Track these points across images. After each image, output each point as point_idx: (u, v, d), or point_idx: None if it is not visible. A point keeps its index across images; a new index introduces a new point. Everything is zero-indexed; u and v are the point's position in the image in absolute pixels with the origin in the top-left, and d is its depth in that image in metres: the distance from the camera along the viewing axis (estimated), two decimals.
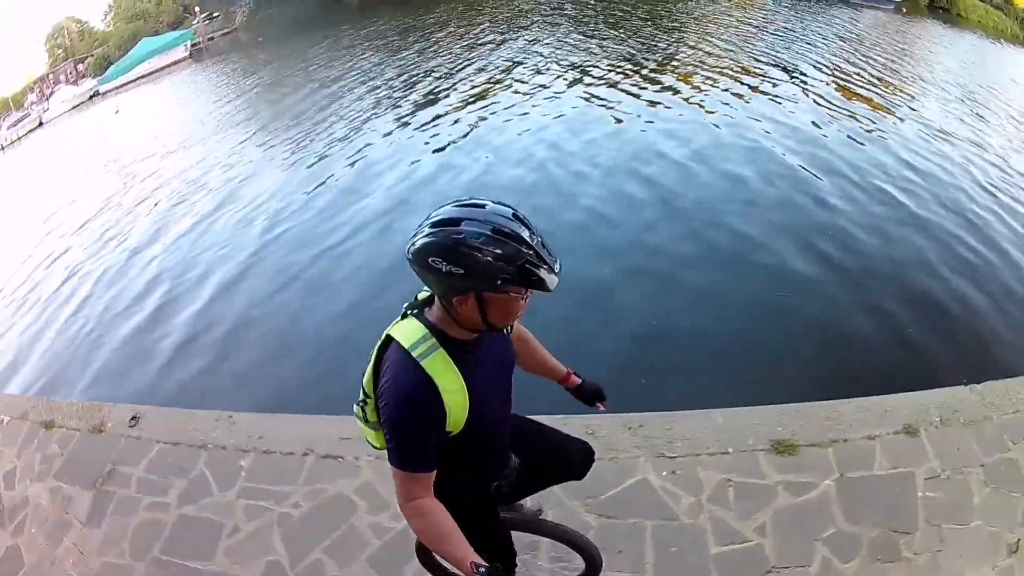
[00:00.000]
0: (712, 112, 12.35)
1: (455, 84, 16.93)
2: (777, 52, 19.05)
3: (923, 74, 18.58)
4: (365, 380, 2.09)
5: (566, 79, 15.82)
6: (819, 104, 13.11)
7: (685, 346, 5.88)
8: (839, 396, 4.29)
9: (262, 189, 11.64)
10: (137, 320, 7.78)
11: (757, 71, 16.05)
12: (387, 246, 8.07)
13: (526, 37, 23.37)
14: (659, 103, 13.12)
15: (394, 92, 17.38)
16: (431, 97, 15.95)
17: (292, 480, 3.62)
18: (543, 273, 1.82)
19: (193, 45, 46.57)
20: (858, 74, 16.70)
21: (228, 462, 3.87)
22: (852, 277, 6.90)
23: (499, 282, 1.80)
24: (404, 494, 1.94)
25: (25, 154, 32.94)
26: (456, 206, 1.85)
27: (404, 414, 1.89)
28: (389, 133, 13.57)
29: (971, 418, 4.11)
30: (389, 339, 1.99)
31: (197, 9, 49.57)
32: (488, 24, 27.66)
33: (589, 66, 17.22)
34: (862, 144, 10.73)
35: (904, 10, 39.64)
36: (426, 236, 1.81)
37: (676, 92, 13.94)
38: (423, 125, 13.57)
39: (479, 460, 2.27)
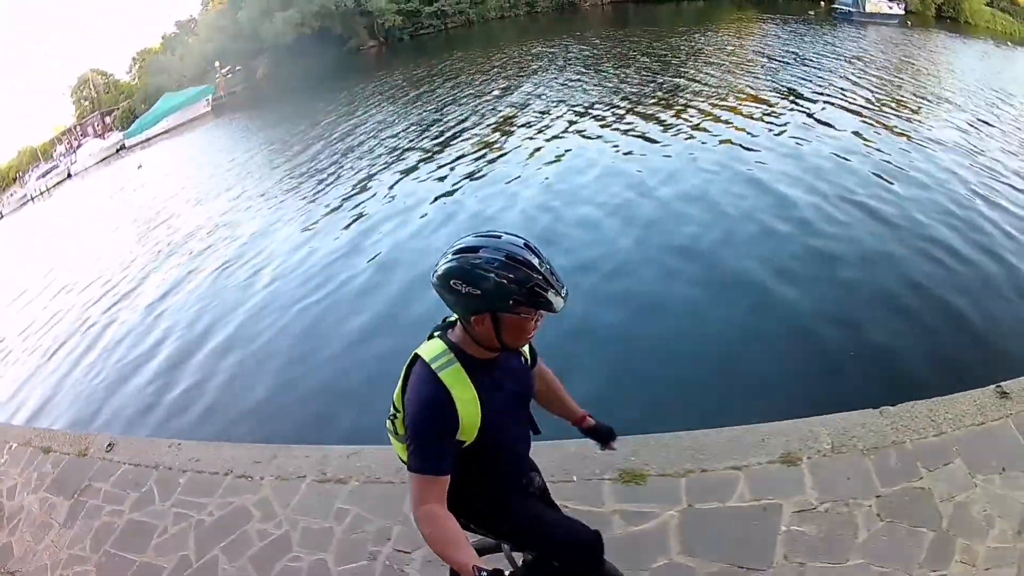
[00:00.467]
0: (722, 142, 13.13)
1: (466, 130, 17.95)
2: (780, 78, 19.85)
3: (933, 88, 18.80)
4: (395, 395, 2.35)
5: (573, 120, 16.80)
6: (827, 129, 13.59)
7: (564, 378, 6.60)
8: (737, 423, 4.34)
9: (268, 243, 12.63)
10: (130, 364, 9.04)
11: (763, 99, 16.88)
12: (371, 301, 8.88)
13: (536, 80, 24.84)
14: (672, 135, 14.11)
15: (406, 142, 18.42)
16: (441, 145, 16.94)
17: (211, 494, 4.68)
18: (550, 296, 2.07)
19: (214, 99, 48.25)
20: (870, 93, 17.17)
21: (171, 479, 4.97)
22: (774, 301, 7.17)
23: (511, 302, 2.05)
24: (416, 499, 2.11)
25: (54, 206, 34.80)
26: (475, 236, 2.13)
27: (421, 418, 2.13)
28: (398, 182, 14.49)
29: (875, 444, 4.08)
30: (416, 357, 2.25)
31: (217, 64, 51.54)
32: (499, 69, 29.22)
33: (596, 104, 18.28)
34: (848, 160, 11.26)
35: (909, 23, 39.48)
36: (448, 262, 2.08)
37: (688, 125, 14.76)
38: (433, 173, 14.47)
39: (497, 473, 2.46)
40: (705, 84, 19.48)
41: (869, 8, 40.86)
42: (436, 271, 2.10)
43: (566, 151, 14.05)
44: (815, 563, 3.34)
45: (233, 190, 18.89)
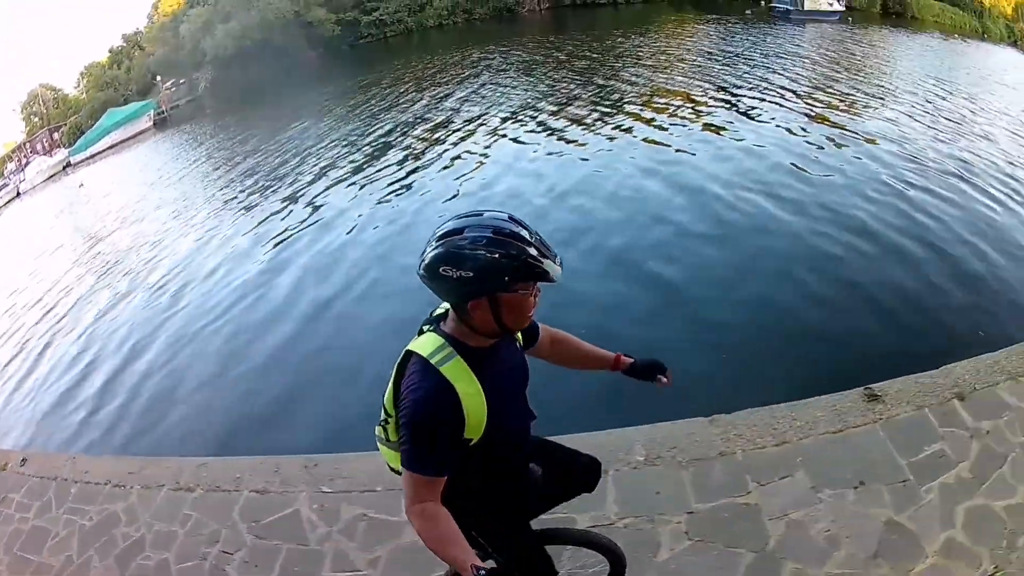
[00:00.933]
0: (646, 141, 13.90)
1: (394, 140, 18.66)
2: (711, 77, 20.70)
3: (864, 82, 19.60)
4: (386, 398, 2.23)
5: (500, 126, 17.55)
6: (752, 123, 14.49)
7: None
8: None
9: (192, 264, 13.08)
10: (58, 385, 9.79)
11: (693, 98, 17.64)
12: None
13: (468, 86, 25.51)
14: (598, 136, 14.85)
15: (338, 153, 18.97)
16: (372, 156, 17.53)
17: (94, 502, 5.51)
18: (547, 265, 1.99)
19: (157, 114, 48.13)
20: (799, 88, 18.09)
21: (65, 489, 5.81)
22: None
23: (507, 279, 1.96)
24: (411, 497, 2.05)
25: (2, 226, 34.59)
26: (456, 218, 2.02)
27: (421, 416, 2.01)
28: (326, 193, 15.05)
29: (698, 455, 4.04)
30: (408, 354, 2.13)
31: (159, 78, 51.62)
32: (434, 77, 29.93)
33: (526, 109, 19.10)
34: (757, 154, 11.97)
35: (850, 19, 40.17)
36: (434, 249, 1.98)
37: (614, 126, 15.52)
38: (362, 184, 15.08)
39: (502, 468, 2.37)
40: (635, 85, 20.51)
41: (808, 5, 41.58)
42: (423, 261, 2.03)
43: (486, 157, 14.83)
44: None
45: (168, 208, 19.37)
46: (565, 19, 53.49)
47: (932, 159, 11.80)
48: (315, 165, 18.43)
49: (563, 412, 4.94)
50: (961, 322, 6.85)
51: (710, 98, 17.65)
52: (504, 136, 16.64)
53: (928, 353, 5.42)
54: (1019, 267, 7.99)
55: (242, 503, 4.77)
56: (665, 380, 2.60)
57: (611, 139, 14.66)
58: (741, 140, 13.34)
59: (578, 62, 27.49)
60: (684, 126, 15.02)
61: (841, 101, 16.96)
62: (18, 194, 43.37)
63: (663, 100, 17.90)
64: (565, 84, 22.70)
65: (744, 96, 17.47)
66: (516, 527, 2.60)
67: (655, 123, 15.58)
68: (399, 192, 13.85)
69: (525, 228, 2.01)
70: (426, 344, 2.10)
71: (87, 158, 44.80)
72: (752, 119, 15.06)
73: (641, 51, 28.72)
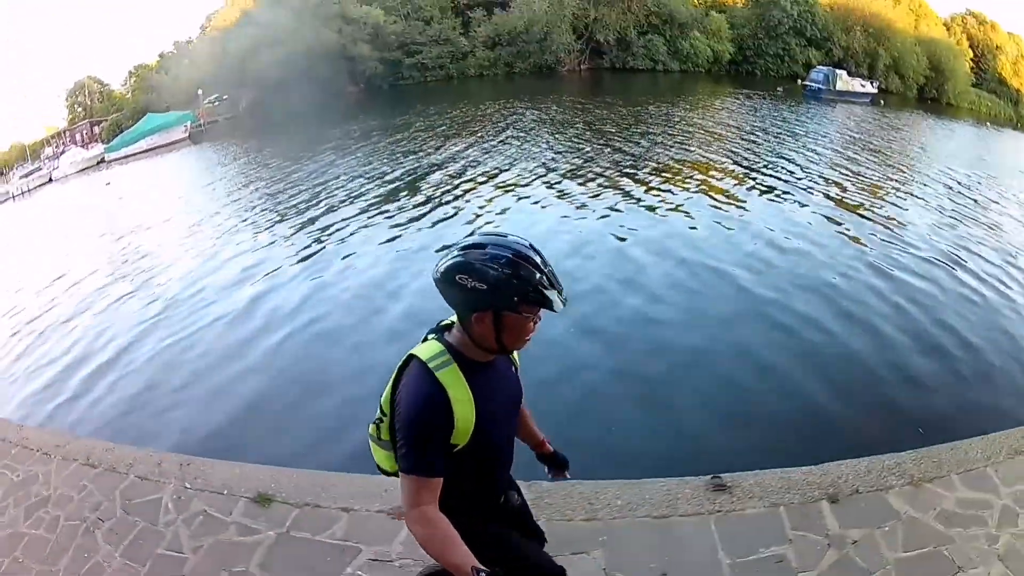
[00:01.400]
0: (664, 209, 14.91)
1: (419, 183, 19.37)
2: (734, 152, 21.63)
3: (884, 165, 20.35)
4: (383, 399, 2.34)
5: (524, 181, 18.45)
6: (756, 202, 15.29)
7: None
8: None
9: (180, 273, 13.79)
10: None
11: (715, 169, 18.77)
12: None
13: (500, 139, 26.42)
14: (621, 203, 15.64)
15: (363, 190, 19.58)
16: (410, 195, 18.13)
17: (24, 462, 6.25)
18: (552, 295, 2.13)
19: (194, 126, 49.16)
20: (822, 168, 19.02)
21: (6, 450, 6.43)
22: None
23: (515, 299, 2.10)
24: (410, 501, 2.13)
25: (31, 208, 35.46)
26: (481, 235, 2.18)
27: (417, 417, 2.14)
28: (343, 228, 15.46)
29: None
30: (410, 358, 2.26)
31: (200, 92, 52.55)
32: (467, 125, 31.35)
33: (553, 167, 19.99)
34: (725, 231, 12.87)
35: (883, 102, 40.08)
36: (455, 257, 2.14)
37: (633, 194, 16.42)
38: (397, 220, 15.62)
39: (483, 478, 2.47)
40: (659, 154, 21.57)
41: (840, 86, 41.71)
42: (440, 267, 2.17)
43: (505, 210, 15.65)
44: None
45: (183, 220, 19.89)
46: (602, 82, 54.87)
47: (919, 247, 12.41)
48: (329, 198, 19.16)
49: None
50: (892, 415, 6.87)
51: (721, 170, 18.76)
52: (512, 188, 17.72)
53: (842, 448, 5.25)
54: (992, 357, 8.25)
55: (125, 484, 5.64)
56: (566, 476, 2.93)
57: (613, 206, 15.55)
58: (726, 215, 14.39)
59: (604, 126, 28.56)
60: (677, 196, 16.17)
61: (851, 182, 17.92)
62: (50, 179, 43.96)
63: (675, 170, 19.15)
64: (586, 146, 23.80)
65: (756, 172, 18.50)
66: (501, 541, 2.64)
67: (658, 191, 16.74)
68: (395, 236, 14.55)
69: (541, 257, 2.17)
70: (428, 350, 2.25)
71: (121, 157, 45.41)
72: (758, 193, 16.08)
73: (669, 121, 29.90)
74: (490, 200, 16.91)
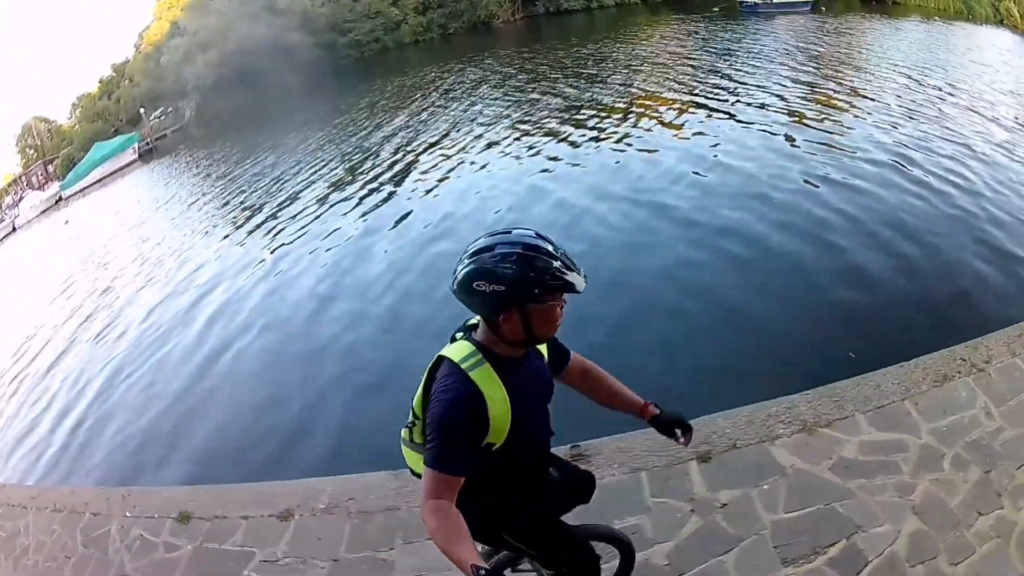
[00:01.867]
0: (620, 140, 15.22)
1: (400, 157, 19.16)
2: (678, 78, 21.68)
3: (839, 73, 19.85)
4: (415, 401, 2.33)
5: (476, 140, 18.54)
6: (715, 122, 15.35)
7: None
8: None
9: (137, 308, 13.76)
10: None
11: (663, 98, 18.81)
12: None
13: (442, 102, 26.66)
14: (575, 143, 15.89)
15: (337, 173, 19.68)
16: (378, 173, 18.03)
17: (8, 519, 6.82)
18: (571, 277, 2.13)
19: (142, 146, 48.56)
20: (765, 83, 18.83)
21: None
22: None
23: (536, 291, 2.10)
24: (428, 492, 2.12)
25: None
26: (486, 236, 2.17)
27: (448, 416, 2.14)
28: (336, 215, 15.44)
29: (368, 507, 4.32)
30: (440, 359, 2.26)
31: (142, 110, 52.11)
32: (408, 95, 31.10)
33: (503, 121, 20.12)
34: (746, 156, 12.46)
35: (823, 8, 38.67)
36: (467, 266, 2.13)
37: (587, 133, 16.50)
38: (368, 200, 15.74)
39: (521, 472, 2.48)
40: (598, 92, 21.66)
41: None
42: (456, 279, 2.16)
43: (450, 174, 15.88)
44: None
45: (137, 248, 19.97)
46: (540, 28, 54.33)
47: (867, 149, 12.09)
48: (284, 193, 19.28)
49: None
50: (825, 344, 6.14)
51: (663, 100, 18.81)
52: (459, 152, 17.79)
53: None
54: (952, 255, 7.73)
55: (83, 523, 6.05)
56: (683, 440, 2.65)
57: (554, 155, 15.52)
58: (665, 143, 14.52)
59: (543, 72, 28.61)
60: (618, 132, 16.27)
61: (793, 92, 17.90)
62: (13, 229, 43.45)
63: (614, 108, 19.11)
64: (524, 96, 23.95)
65: (699, 96, 18.50)
66: (544, 525, 2.69)
67: (597, 130, 16.75)
68: (359, 217, 14.79)
69: (551, 243, 2.15)
70: (458, 351, 2.24)
71: (78, 191, 45.04)
72: (700, 119, 16.07)
73: (604, 56, 29.87)
74: (435, 167, 16.99)
